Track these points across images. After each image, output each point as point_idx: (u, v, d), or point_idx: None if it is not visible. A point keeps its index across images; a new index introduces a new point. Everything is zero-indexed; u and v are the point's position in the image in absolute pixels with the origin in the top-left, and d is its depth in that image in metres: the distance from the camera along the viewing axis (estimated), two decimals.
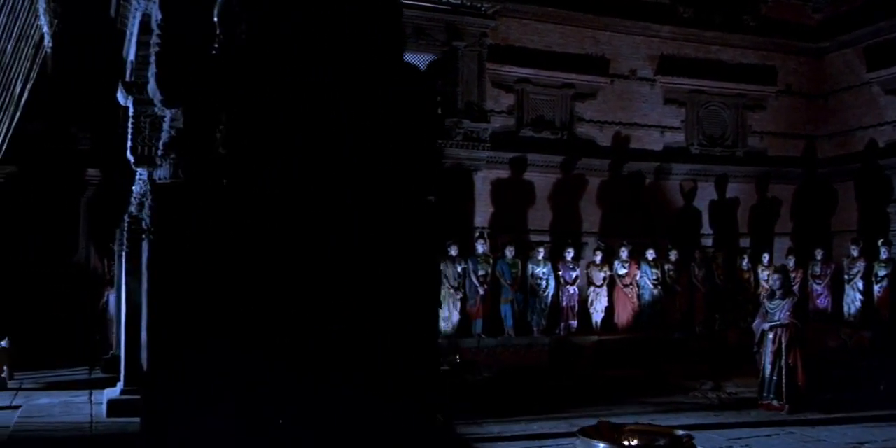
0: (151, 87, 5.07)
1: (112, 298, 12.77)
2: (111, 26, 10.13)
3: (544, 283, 15.25)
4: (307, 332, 4.44)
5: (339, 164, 4.38)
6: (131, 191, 11.60)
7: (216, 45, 4.48)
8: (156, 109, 5.34)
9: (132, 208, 8.61)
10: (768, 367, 11.02)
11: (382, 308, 4.59)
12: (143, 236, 5.00)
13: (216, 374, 4.43)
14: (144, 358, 5.04)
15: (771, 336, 11.05)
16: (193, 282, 4.48)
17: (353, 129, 4.38)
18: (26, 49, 7.29)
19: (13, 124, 7.63)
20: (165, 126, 5.17)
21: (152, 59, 5.02)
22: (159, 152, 5.15)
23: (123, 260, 8.61)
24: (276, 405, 4.42)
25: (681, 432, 6.58)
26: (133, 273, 8.29)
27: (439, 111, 4.78)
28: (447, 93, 15.58)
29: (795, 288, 14.11)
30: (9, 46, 6.78)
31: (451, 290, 14.45)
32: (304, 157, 4.37)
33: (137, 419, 8.11)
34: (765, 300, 11.77)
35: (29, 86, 7.77)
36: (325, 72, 4.39)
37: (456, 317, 14.59)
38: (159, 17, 5.04)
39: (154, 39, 5.01)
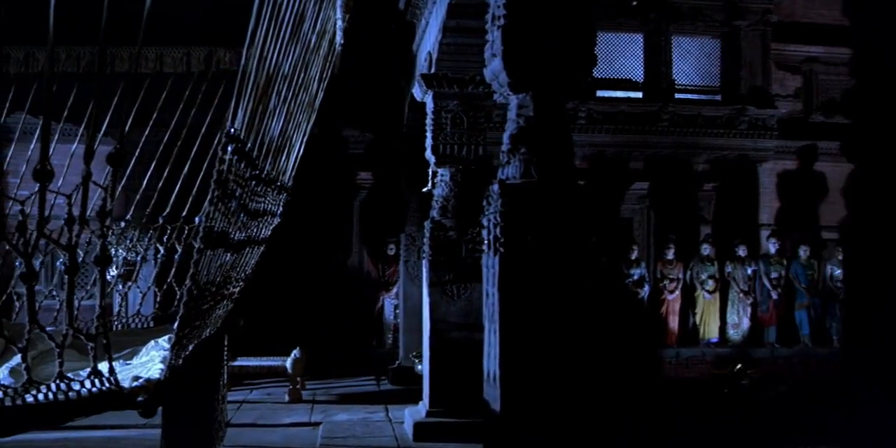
0: (494, 68, 4.30)
1: (388, 303, 12.51)
2: (399, 20, 9.67)
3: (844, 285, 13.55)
4: None
5: None
6: (412, 193, 11.21)
7: None
8: (495, 97, 4.55)
9: (434, 213, 8.01)
10: None
11: None
12: (487, 249, 4.25)
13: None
14: (492, 395, 4.27)
15: None
16: (565, 308, 3.66)
17: None
18: (324, 45, 6.77)
19: (310, 125, 7.15)
20: (511, 115, 4.37)
21: (494, 34, 4.24)
22: (505, 147, 4.37)
23: (425, 268, 8.00)
24: None
25: None
26: (436, 285, 7.66)
27: None
28: (729, 77, 14.33)
29: None
30: (312, 40, 6.18)
31: (741, 295, 13.33)
32: None
33: (448, 445, 7.61)
34: None
35: (323, 85, 7.23)
36: None
37: (746, 323, 13.44)
38: None
39: (498, 11, 4.23)
